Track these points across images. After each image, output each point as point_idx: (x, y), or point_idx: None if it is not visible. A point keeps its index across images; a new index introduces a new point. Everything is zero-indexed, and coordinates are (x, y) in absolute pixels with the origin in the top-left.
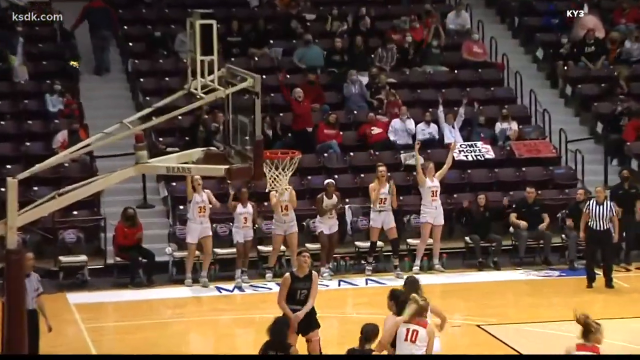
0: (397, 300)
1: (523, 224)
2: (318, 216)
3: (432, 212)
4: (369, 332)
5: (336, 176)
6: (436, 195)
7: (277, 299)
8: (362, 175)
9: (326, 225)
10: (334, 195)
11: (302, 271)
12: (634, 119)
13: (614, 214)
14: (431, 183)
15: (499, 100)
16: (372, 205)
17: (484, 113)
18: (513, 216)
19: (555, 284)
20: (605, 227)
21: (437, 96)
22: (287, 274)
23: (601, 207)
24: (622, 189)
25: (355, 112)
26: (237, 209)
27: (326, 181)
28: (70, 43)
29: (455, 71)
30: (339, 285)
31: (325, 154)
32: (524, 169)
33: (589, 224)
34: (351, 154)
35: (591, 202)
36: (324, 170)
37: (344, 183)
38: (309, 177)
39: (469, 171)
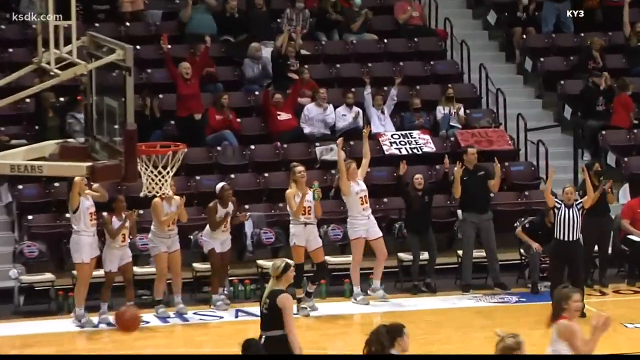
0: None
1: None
2: (207, 228)
3: (365, 224)
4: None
5: (232, 175)
6: (366, 202)
7: (290, 330)
8: (266, 174)
9: (218, 240)
10: (230, 203)
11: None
12: (618, 95)
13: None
14: (358, 187)
15: (440, 77)
16: (292, 217)
17: (422, 94)
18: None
19: (514, 311)
20: (574, 237)
21: (361, 72)
22: (287, 293)
23: (570, 211)
24: (592, 185)
25: (256, 92)
26: (112, 222)
27: (220, 185)
28: None
29: (385, 40)
30: (237, 316)
31: (219, 147)
32: None
33: (555, 234)
34: (252, 147)
35: (562, 205)
36: (216, 168)
37: (242, 184)
38: (198, 178)
39: None
